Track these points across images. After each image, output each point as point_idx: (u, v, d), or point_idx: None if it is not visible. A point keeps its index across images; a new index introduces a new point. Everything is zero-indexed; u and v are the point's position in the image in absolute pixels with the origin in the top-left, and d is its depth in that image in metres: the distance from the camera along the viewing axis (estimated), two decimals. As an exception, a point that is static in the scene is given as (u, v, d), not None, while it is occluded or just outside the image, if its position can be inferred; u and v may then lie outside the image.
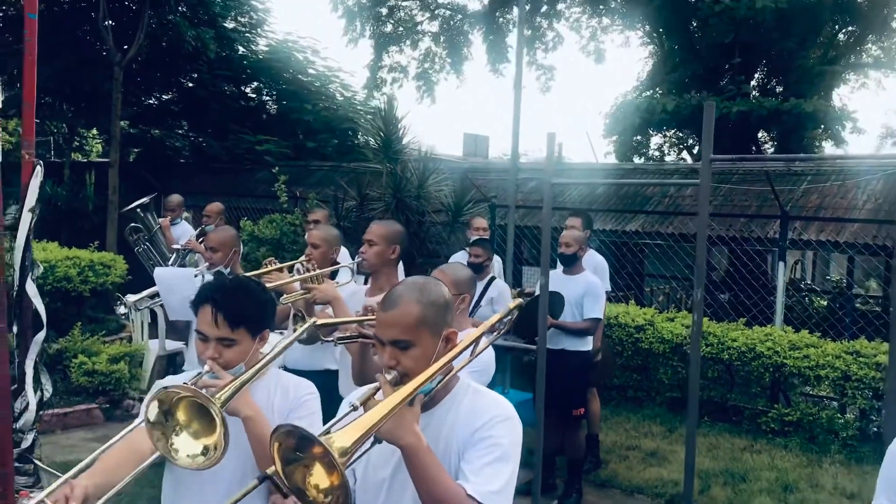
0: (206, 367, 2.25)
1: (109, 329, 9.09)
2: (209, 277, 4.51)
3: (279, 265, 4.39)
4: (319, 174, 12.58)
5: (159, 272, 4.43)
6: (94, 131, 16.10)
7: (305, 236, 6.61)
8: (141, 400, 7.06)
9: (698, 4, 17.32)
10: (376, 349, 2.04)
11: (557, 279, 5.53)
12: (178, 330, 4.84)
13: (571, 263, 5.47)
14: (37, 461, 4.71)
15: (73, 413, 6.67)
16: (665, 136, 24.40)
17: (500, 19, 24.67)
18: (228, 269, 4.57)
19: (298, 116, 16.10)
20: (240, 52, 16.21)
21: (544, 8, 23.64)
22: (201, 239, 7.36)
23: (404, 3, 25.94)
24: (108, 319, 9.58)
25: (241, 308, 2.31)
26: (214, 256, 4.54)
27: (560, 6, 23.70)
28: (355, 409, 1.88)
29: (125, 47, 11.57)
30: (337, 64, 19.77)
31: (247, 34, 16.59)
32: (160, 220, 8.25)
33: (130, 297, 4.55)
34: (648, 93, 22.22)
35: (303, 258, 4.50)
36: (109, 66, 11.50)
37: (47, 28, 12.45)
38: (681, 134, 23.86)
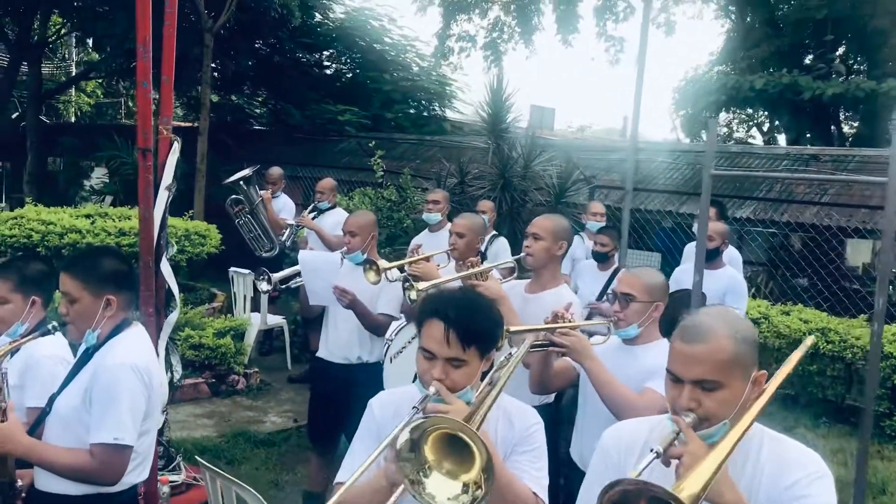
0: (432, 390, 2.06)
1: (202, 298, 9.11)
2: (347, 263, 4.38)
3: (425, 254, 4.23)
4: (404, 146, 12.40)
5: (304, 255, 4.31)
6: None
7: (423, 215, 6.48)
8: (245, 376, 7.03)
9: (791, -23, 16.57)
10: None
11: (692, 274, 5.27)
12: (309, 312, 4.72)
13: (713, 258, 5.21)
14: (165, 443, 4.68)
15: (181, 387, 6.65)
16: (735, 112, 23.69)
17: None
18: (365, 255, 4.42)
19: (377, 86, 15.93)
20: (316, 20, 16.04)
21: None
22: (313, 214, 7.25)
23: (475, -30, 25.47)
24: (200, 288, 9.61)
25: (475, 326, 2.12)
26: (353, 241, 4.39)
27: (633, -25, 23.06)
28: (658, 456, 1.69)
29: (212, 14, 11.48)
30: (413, 33, 19.48)
31: (323, 1, 16.38)
32: (262, 192, 8.15)
33: (276, 275, 4.42)
34: (721, 67, 21.58)
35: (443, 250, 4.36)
36: (199, 32, 11.41)
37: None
38: (750, 111, 23.17)
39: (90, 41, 14.92)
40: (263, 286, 4.47)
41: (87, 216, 8.95)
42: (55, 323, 2.57)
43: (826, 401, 7.14)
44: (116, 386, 2.46)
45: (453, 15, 25.95)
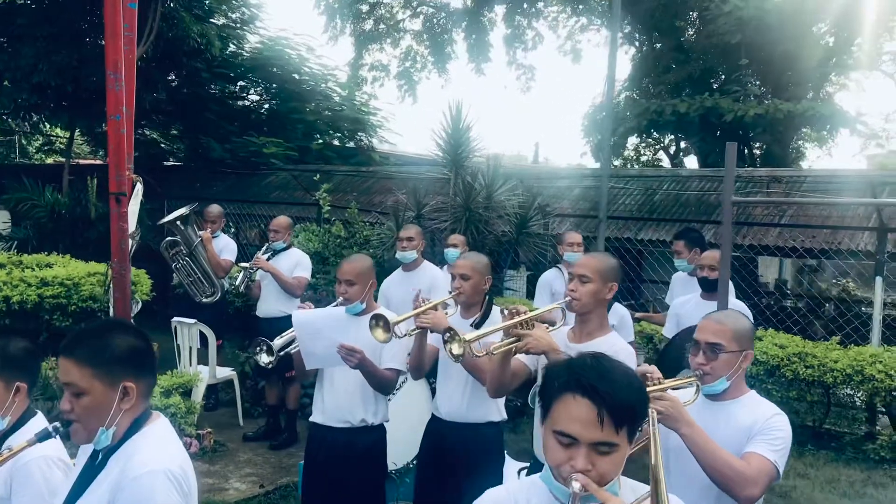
0: (577, 486, 1.62)
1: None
2: (343, 316, 3.89)
3: (432, 302, 3.79)
4: (338, 177, 11.89)
5: (300, 316, 3.75)
6: (78, 132, 15.10)
7: (397, 254, 6.02)
8: (198, 438, 6.35)
9: (704, 4, 16.98)
10: None
11: (695, 306, 5.02)
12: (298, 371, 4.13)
13: (714, 288, 4.95)
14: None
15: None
16: (641, 137, 24.25)
17: (483, 17, 24.23)
18: (364, 304, 3.94)
19: (299, 116, 15.40)
20: (231, 50, 15.40)
21: (524, 6, 23.35)
22: (267, 255, 6.69)
23: (385, 1, 25.37)
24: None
25: (630, 402, 1.71)
26: (351, 290, 3.90)
27: (539, 4, 23.42)
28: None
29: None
30: (333, 62, 19.03)
31: (238, 31, 15.77)
32: (200, 232, 7.51)
33: (278, 342, 3.86)
34: (629, 93, 22.05)
35: (451, 293, 3.93)
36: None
37: (46, 22, 11.69)
38: (656, 135, 23.77)
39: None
40: (264, 358, 3.89)
41: (1, 266, 8.08)
42: (57, 423, 1.98)
43: (804, 426, 7.03)
44: (150, 503, 1.92)
45: (365, 45, 25.80)
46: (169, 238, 7.55)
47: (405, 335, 3.70)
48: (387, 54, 26.16)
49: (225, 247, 7.65)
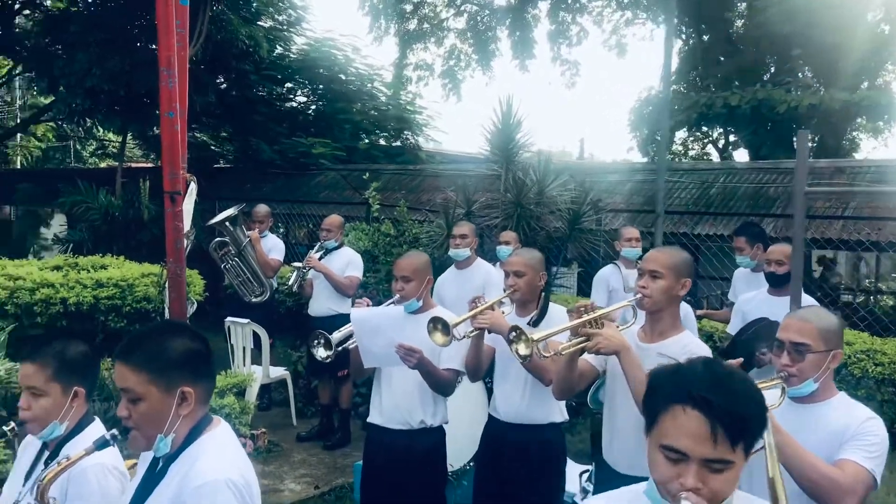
0: None
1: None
2: (399, 314, 3.80)
3: (488, 302, 3.68)
4: (386, 176, 11.86)
5: (358, 314, 3.68)
6: (130, 136, 15.33)
7: (450, 252, 5.92)
8: (252, 438, 6.34)
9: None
10: None
11: (763, 302, 4.82)
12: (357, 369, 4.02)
13: (783, 283, 4.75)
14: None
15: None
16: (690, 131, 23.82)
17: (527, 14, 24.04)
18: (421, 302, 3.85)
19: (346, 117, 15.43)
20: (278, 52, 15.51)
21: (568, 1, 23.11)
22: (320, 254, 6.66)
23: (429, 0, 25.36)
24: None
25: (747, 415, 1.55)
26: (407, 287, 3.81)
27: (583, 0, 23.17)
28: None
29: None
30: (378, 62, 19.03)
31: (284, 33, 15.87)
32: (249, 232, 7.51)
33: (336, 336, 3.79)
34: (675, 87, 21.64)
35: (506, 292, 3.81)
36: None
37: (98, 28, 11.88)
38: (705, 129, 23.33)
39: (41, 83, 14.07)
40: (321, 352, 3.81)
41: (57, 268, 8.19)
42: (115, 431, 1.93)
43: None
44: None
45: (409, 44, 25.81)
46: (218, 239, 7.57)
47: (464, 337, 3.61)
48: (431, 53, 26.15)
49: (273, 246, 7.66)
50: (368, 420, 3.94)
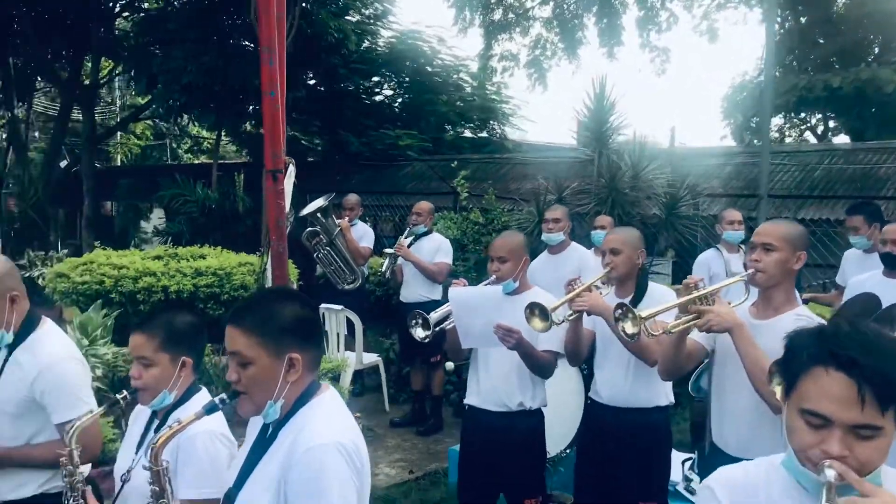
0: (831, 474, 1.36)
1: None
2: (501, 295, 3.71)
3: (585, 283, 3.56)
4: (474, 166, 11.82)
5: (456, 293, 3.63)
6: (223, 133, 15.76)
7: (543, 237, 5.82)
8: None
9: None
10: None
11: (878, 284, 4.53)
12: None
13: (896, 265, 4.46)
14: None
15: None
16: (786, 118, 22.93)
17: (615, 1, 23.56)
18: (517, 282, 3.77)
19: (432, 108, 15.46)
20: (365, 46, 15.68)
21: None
22: (409, 240, 6.66)
23: (514, -11, 25.17)
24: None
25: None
26: (503, 267, 3.72)
27: (674, -16, 22.55)
28: None
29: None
30: (464, 52, 18.99)
31: (371, 26, 16.01)
32: (339, 221, 7.58)
33: (434, 316, 3.75)
34: (773, 71, 20.85)
35: (603, 272, 3.68)
36: (256, 62, 10.98)
37: (194, 25, 12.26)
38: (802, 115, 22.41)
39: (140, 82, 14.61)
40: (419, 332, 3.77)
41: (158, 257, 8.46)
42: (224, 395, 1.92)
43: None
44: (322, 478, 1.80)
45: (494, 35, 25.65)
46: (310, 228, 7.67)
47: (563, 321, 3.51)
48: (516, 43, 25.92)
49: (363, 234, 7.70)
50: (466, 401, 3.89)
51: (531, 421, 3.74)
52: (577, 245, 5.76)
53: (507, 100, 16.67)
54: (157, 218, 12.67)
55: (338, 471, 1.83)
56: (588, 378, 5.05)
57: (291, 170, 3.89)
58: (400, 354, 7.29)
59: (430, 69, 16.09)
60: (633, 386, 3.59)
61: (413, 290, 6.69)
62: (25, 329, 2.66)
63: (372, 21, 15.97)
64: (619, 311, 2.90)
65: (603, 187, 6.87)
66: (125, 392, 2.28)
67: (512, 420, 3.69)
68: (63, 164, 18.84)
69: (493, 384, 3.72)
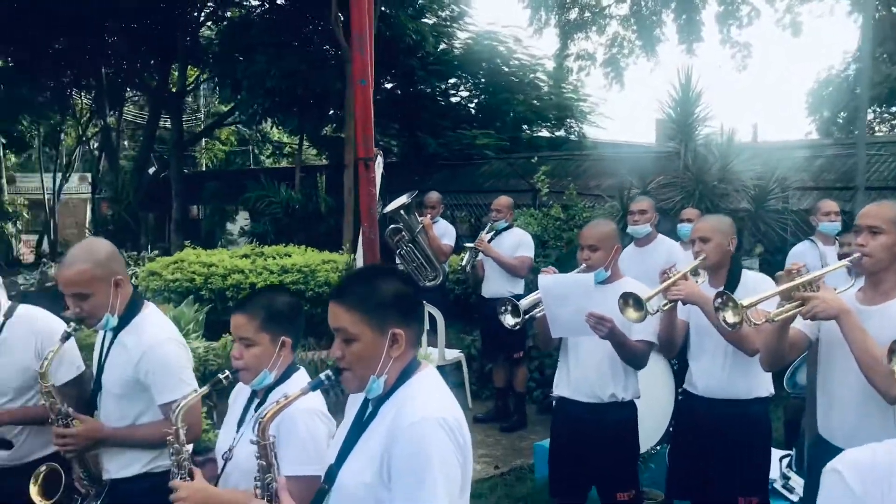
0: None
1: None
2: (592, 283, 3.64)
3: (680, 272, 3.47)
4: (552, 163, 11.72)
5: (546, 280, 3.58)
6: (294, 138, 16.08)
7: (628, 229, 5.72)
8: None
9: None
10: None
11: None
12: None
13: None
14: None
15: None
16: (875, 112, 21.98)
17: (695, -4, 23.02)
18: (609, 271, 3.70)
19: (509, 108, 15.43)
20: (441, 48, 15.78)
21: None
22: (489, 236, 6.62)
23: (590, -12, 24.89)
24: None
25: None
26: (594, 256, 3.65)
27: (755, -22, 21.89)
28: None
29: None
30: (540, 51, 18.87)
31: (448, 28, 16.08)
32: (421, 219, 7.60)
33: (523, 303, 3.73)
34: (858, 65, 20.02)
35: (696, 260, 3.57)
36: (340, 66, 11.17)
37: (275, 31, 12.57)
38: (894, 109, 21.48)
39: (224, 88, 15.06)
40: (508, 320, 3.75)
41: (245, 256, 8.68)
42: (328, 372, 1.94)
43: None
44: (425, 453, 1.79)
45: (570, 34, 25.42)
46: (392, 226, 7.72)
47: (657, 311, 3.43)
48: (592, 42, 25.62)
49: (445, 232, 7.70)
50: (555, 392, 3.83)
51: (624, 412, 3.66)
52: (665, 237, 5.63)
53: (585, 97, 16.49)
54: (243, 219, 13.00)
55: (441, 446, 1.81)
56: (679, 373, 4.93)
57: (379, 161, 3.91)
58: (482, 351, 7.27)
59: (506, 69, 16.06)
60: (730, 377, 3.48)
61: (494, 285, 6.65)
62: (129, 312, 2.74)
63: (448, 23, 16.05)
64: (720, 300, 2.80)
65: (689, 180, 6.71)
66: (227, 372, 2.32)
67: (604, 412, 3.62)
68: (151, 170, 19.56)
69: (584, 375, 3.66)
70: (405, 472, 1.79)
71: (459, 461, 1.85)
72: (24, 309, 3.03)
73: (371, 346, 1.91)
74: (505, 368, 6.76)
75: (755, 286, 3.40)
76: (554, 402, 4.00)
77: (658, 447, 4.85)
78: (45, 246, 19.50)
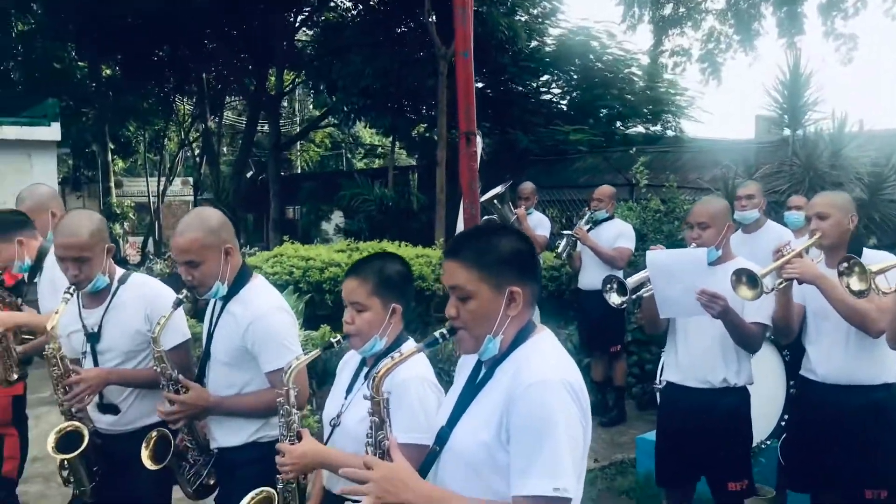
0: None
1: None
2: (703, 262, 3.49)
3: (796, 249, 3.29)
4: (648, 157, 11.46)
5: (654, 256, 3.45)
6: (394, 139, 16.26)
7: (735, 215, 5.48)
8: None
9: None
10: None
11: None
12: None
13: None
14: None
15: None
16: None
17: (796, -13, 22.14)
18: (720, 251, 3.53)
19: (602, 104, 15.20)
20: (533, 45, 15.67)
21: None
22: (588, 226, 6.49)
23: (686, -17, 24.30)
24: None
25: None
26: (704, 234, 3.49)
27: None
28: None
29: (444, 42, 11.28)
30: (635, 46, 18.52)
31: (539, 25, 15.97)
32: (515, 210, 7.52)
33: (630, 281, 3.62)
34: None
35: (812, 238, 3.38)
36: (433, 61, 11.22)
37: (369, 31, 12.77)
38: None
39: (320, 89, 15.39)
40: (614, 298, 3.65)
41: (341, 250, 8.81)
42: (443, 331, 1.89)
43: None
44: (548, 414, 1.72)
45: (665, 30, 24.89)
46: (486, 217, 7.67)
47: (772, 290, 3.26)
48: (688, 38, 25.03)
49: (539, 223, 7.60)
50: (664, 377, 3.70)
51: (736, 399, 3.49)
52: (774, 223, 5.38)
53: (682, 91, 16.09)
54: (338, 218, 13.22)
55: (564, 407, 1.74)
56: (790, 365, 4.71)
57: (479, 140, 3.86)
58: (578, 345, 7.13)
59: (599, 65, 15.83)
60: (854, 361, 3.27)
61: (591, 276, 6.48)
62: (239, 282, 2.79)
63: (540, 20, 15.94)
64: (845, 264, 2.65)
65: (798, 167, 6.40)
66: (338, 336, 2.32)
67: (715, 397, 3.47)
68: (249, 174, 20.17)
69: (694, 359, 3.51)
70: (527, 432, 1.73)
71: (583, 424, 1.78)
72: (136, 277, 3.14)
73: (487, 304, 1.84)
74: (603, 362, 6.61)
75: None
76: (660, 390, 3.87)
77: (768, 441, 4.64)
78: (150, 247, 20.34)
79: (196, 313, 5.80)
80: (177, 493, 3.10)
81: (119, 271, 3.09)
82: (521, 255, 1.88)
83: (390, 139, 15.68)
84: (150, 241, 20.72)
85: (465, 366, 2.05)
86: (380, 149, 22.04)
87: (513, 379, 1.80)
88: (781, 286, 3.26)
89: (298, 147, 24.53)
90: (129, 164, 29.21)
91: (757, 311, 3.36)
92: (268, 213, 16.78)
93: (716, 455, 3.49)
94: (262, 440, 2.76)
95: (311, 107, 25.98)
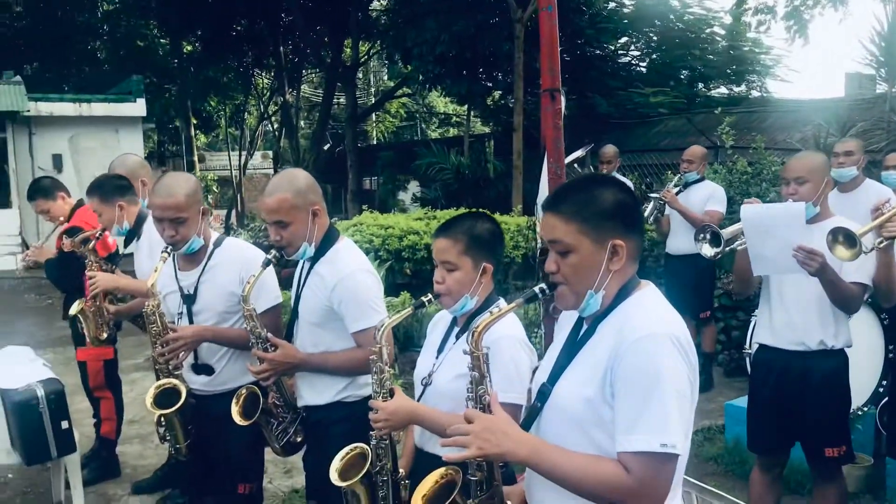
0: None
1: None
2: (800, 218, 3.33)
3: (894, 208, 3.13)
4: (734, 118, 11.11)
5: (749, 210, 3.32)
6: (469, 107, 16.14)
7: (832, 172, 5.26)
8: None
9: None
10: None
11: None
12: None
13: None
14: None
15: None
16: None
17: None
18: (818, 207, 3.38)
19: (682, 65, 14.78)
20: (611, 7, 15.32)
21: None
22: (677, 189, 6.30)
23: (773, -64, 23.24)
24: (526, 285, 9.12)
25: None
26: (800, 190, 3.33)
27: None
28: None
29: (521, 5, 11.10)
30: (717, 4, 17.89)
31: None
32: (597, 173, 7.41)
33: (726, 231, 3.51)
34: None
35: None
36: (508, 26, 11.08)
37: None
38: None
39: (395, 58, 15.38)
40: (706, 250, 3.55)
41: (419, 219, 8.86)
42: (542, 286, 1.85)
43: None
44: (655, 368, 1.66)
45: (749, -13, 23.91)
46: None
47: (871, 250, 3.11)
48: (773, -6, 23.97)
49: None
50: (756, 339, 3.59)
51: (833, 362, 3.36)
52: (872, 181, 5.11)
53: (767, 50, 15.48)
54: (415, 187, 13.28)
55: (672, 362, 1.68)
56: (889, 329, 4.52)
57: (562, 99, 3.78)
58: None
59: (679, 25, 15.38)
60: None
61: (680, 241, 6.31)
62: (326, 243, 2.83)
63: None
64: None
65: (896, 122, 6.10)
66: (430, 295, 2.32)
67: (811, 360, 3.34)
68: (326, 146, 20.43)
69: (789, 319, 3.39)
70: (633, 387, 1.67)
71: (691, 380, 1.73)
72: (231, 240, 3.21)
73: (589, 258, 1.78)
74: (691, 328, 6.46)
75: None
76: (750, 354, 3.76)
77: (865, 408, 4.47)
78: (233, 219, 20.87)
79: (281, 283, 5.92)
80: (266, 452, 3.20)
81: (214, 234, 3.17)
82: (623, 206, 1.81)
83: (465, 107, 15.60)
84: (234, 213, 21.25)
85: (563, 326, 2.01)
86: (454, 118, 21.98)
87: (618, 334, 1.74)
88: (882, 245, 3.12)
89: (374, 118, 24.70)
90: (211, 139, 29.97)
91: (857, 270, 3.21)
92: (346, 184, 16.99)
93: (812, 420, 3.37)
94: (348, 399, 2.81)
95: (385, 78, 26.08)
